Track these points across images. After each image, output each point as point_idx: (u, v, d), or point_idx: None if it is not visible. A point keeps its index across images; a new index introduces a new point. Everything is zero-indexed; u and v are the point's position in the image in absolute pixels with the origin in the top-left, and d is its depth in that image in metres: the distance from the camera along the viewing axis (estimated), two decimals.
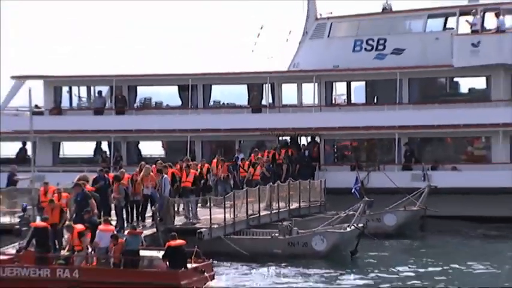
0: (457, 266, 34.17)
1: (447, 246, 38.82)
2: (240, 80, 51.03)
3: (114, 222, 34.11)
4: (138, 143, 51.99)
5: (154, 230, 34.43)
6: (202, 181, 39.27)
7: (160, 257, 29.67)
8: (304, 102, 50.52)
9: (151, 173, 37.12)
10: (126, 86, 51.38)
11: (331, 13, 50.41)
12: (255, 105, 49.89)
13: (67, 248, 31.44)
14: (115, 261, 30.09)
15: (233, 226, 36.32)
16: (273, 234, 36.22)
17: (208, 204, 37.24)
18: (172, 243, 29.75)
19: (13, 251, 31.79)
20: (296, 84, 50.55)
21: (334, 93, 50.21)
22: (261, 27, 50.30)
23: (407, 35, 48.84)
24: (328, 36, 49.68)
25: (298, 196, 41.97)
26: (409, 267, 33.90)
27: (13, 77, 51.26)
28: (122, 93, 51.17)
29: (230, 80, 51.45)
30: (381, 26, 49.06)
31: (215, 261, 31.32)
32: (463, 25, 47.28)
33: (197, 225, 35.60)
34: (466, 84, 49.21)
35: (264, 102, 50.06)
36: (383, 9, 49.40)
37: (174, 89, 52.03)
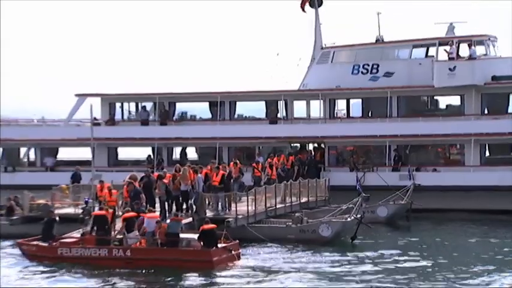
0: (436, 246, 34.92)
1: (429, 233, 38.92)
2: (260, 97, 51.06)
3: (157, 212, 34.61)
4: (185, 148, 52.10)
5: (191, 219, 34.69)
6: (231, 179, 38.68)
7: (196, 238, 30.21)
8: (311, 116, 50.86)
9: (188, 173, 37.04)
10: (167, 102, 51.55)
11: (334, 43, 50.56)
12: (271, 118, 49.92)
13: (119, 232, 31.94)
14: (161, 242, 30.55)
15: (254, 216, 36.51)
16: (287, 223, 36.50)
17: (234, 198, 37.54)
18: (206, 226, 30.43)
19: (78, 235, 32.33)
20: (305, 101, 51.14)
21: (336, 108, 50.17)
22: (277, 54, 50.50)
23: (396, 61, 48.88)
24: (332, 62, 49.93)
25: (307, 192, 42.08)
26: (398, 250, 34.07)
27: (77, 95, 51.69)
28: (164, 108, 51.32)
29: (251, 97, 51.47)
30: (374, 54, 49.24)
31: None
32: (442, 53, 47.46)
33: (225, 216, 35.63)
34: (444, 101, 49.37)
35: (279, 115, 49.99)
36: (376, 40, 49.73)
37: (206, 104, 52.14)
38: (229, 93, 50.73)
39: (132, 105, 53.38)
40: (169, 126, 51.19)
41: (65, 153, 53.38)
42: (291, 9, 52.07)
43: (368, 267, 30.02)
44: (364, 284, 27.19)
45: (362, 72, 48.73)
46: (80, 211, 37.48)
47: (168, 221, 31.77)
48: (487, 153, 47.26)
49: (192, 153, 52.43)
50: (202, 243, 29.97)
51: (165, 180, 37.04)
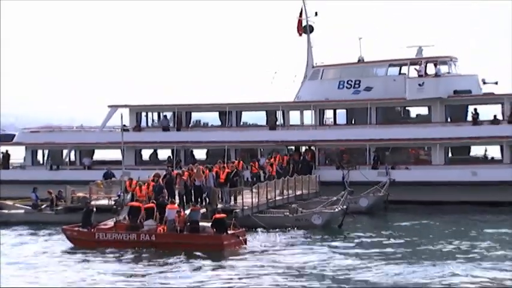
0: (408, 230, 35.26)
1: (402, 220, 38.98)
2: (261, 108, 51.03)
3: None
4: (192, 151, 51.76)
5: (205, 210, 34.48)
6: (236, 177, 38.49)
7: (210, 226, 30.40)
8: (304, 123, 50.75)
9: (200, 171, 37.25)
10: (184, 111, 51.54)
11: (323, 63, 50.49)
12: (271, 125, 49.87)
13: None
14: (180, 228, 30.75)
15: (257, 207, 36.55)
16: (285, 213, 36.58)
17: (239, 192, 37.75)
18: (217, 216, 30.59)
19: (111, 223, 32.44)
20: (299, 111, 51.06)
21: (324, 117, 50.08)
22: (275, 72, 50.25)
23: (375, 77, 48.86)
24: (321, 78, 49.88)
25: (301, 186, 42.05)
26: (377, 234, 34.30)
27: (109, 106, 51.86)
28: (181, 116, 51.45)
29: (254, 107, 51.52)
30: (356, 72, 49.22)
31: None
32: (412, 71, 47.58)
33: (233, 207, 35.74)
34: (414, 111, 49.33)
35: (277, 123, 49.88)
36: (358, 60, 49.65)
37: (216, 113, 51.98)
38: (235, 104, 50.72)
39: (155, 114, 53.22)
40: (185, 131, 51.21)
41: (100, 154, 53.48)
42: (289, 35, 52.08)
43: (352, 250, 30.11)
44: (348, 260, 27.60)
45: (346, 87, 48.72)
46: (113, 203, 37.65)
47: (188, 211, 31.91)
48: (450, 154, 47.27)
49: (202, 154, 52.26)
50: (214, 230, 30.16)
51: (184, 177, 37.31)
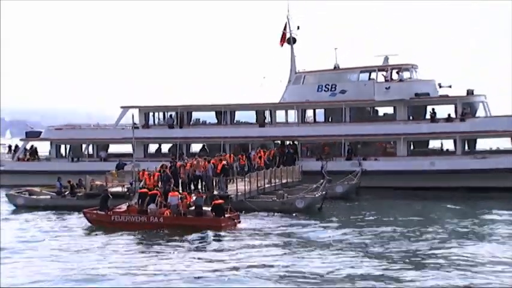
0: (377, 212, 35.14)
1: (372, 204, 39.14)
2: (252, 108, 50.81)
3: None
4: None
5: (204, 196, 34.29)
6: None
7: (210, 210, 30.60)
8: (289, 121, 50.61)
9: (200, 163, 37.51)
10: (186, 111, 51.44)
11: (304, 69, 50.51)
12: (260, 123, 49.86)
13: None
14: (184, 212, 30.85)
15: (249, 193, 36.52)
16: (273, 198, 36.53)
17: (233, 181, 37.78)
18: (216, 201, 30.75)
19: (124, 207, 32.47)
20: (284, 111, 50.96)
21: (306, 116, 49.98)
22: (264, 77, 50.00)
23: (348, 82, 48.72)
24: (303, 83, 49.97)
25: (286, 175, 42.15)
26: (351, 215, 34.62)
27: (122, 107, 51.83)
28: (183, 116, 51.34)
29: (246, 107, 51.25)
30: (333, 77, 49.20)
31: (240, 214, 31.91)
32: (380, 77, 47.73)
33: (229, 193, 35.66)
34: (382, 110, 49.27)
35: (266, 121, 49.87)
36: (334, 67, 49.56)
37: (213, 113, 51.74)
38: (229, 105, 50.59)
39: (161, 114, 53.01)
40: (186, 128, 51.12)
41: (114, 148, 53.36)
42: (276, 45, 51.81)
43: (330, 228, 30.41)
44: (326, 235, 28.22)
45: (324, 90, 48.72)
46: (126, 190, 37.65)
47: (194, 197, 31.94)
48: (412, 147, 47.38)
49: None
50: (214, 213, 30.31)
51: (187, 168, 37.37)
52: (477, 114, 46.49)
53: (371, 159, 46.08)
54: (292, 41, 50.82)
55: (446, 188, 43.26)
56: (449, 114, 46.28)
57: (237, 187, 36.22)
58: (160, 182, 35.04)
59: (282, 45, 51.16)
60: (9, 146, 56.36)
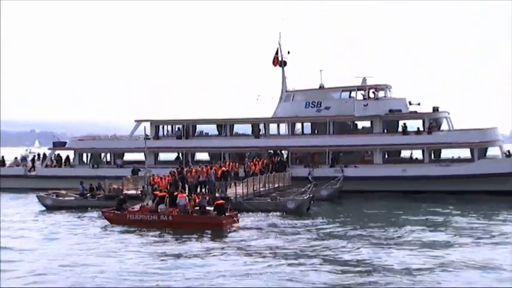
0: (357, 212, 35.08)
1: (353, 205, 39.08)
2: (248, 122, 50.56)
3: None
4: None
5: (208, 197, 34.14)
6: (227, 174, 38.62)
7: (212, 210, 30.47)
8: (280, 133, 50.13)
9: (203, 170, 37.52)
10: (191, 124, 51.18)
11: (294, 88, 50.20)
12: (255, 134, 49.55)
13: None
14: (191, 211, 30.69)
15: (247, 196, 36.37)
16: (267, 200, 36.50)
17: (231, 185, 37.54)
18: (218, 202, 30.58)
19: (138, 207, 32.38)
20: (276, 124, 50.54)
21: (295, 128, 49.66)
22: (259, 95, 49.96)
23: (332, 100, 48.48)
24: (292, 100, 49.65)
25: (278, 181, 41.94)
26: (334, 215, 34.34)
27: (136, 120, 51.51)
28: (188, 128, 51.06)
29: (243, 121, 50.99)
30: (318, 95, 48.90)
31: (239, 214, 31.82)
32: (359, 95, 47.58)
33: (228, 195, 35.49)
34: (360, 124, 49.00)
35: (260, 133, 49.57)
36: (319, 87, 49.29)
37: (214, 126, 51.42)
38: (229, 119, 50.43)
39: (169, 127, 52.76)
40: (191, 139, 50.72)
41: (128, 156, 53.07)
42: (270, 67, 51.44)
43: (316, 226, 30.40)
44: (314, 233, 27.91)
45: (311, 107, 48.52)
46: (139, 192, 37.52)
47: (200, 197, 31.90)
48: (386, 156, 47.20)
49: (205, 156, 51.94)
50: (216, 212, 30.19)
51: (193, 174, 37.27)
52: (441, 128, 46.51)
53: (351, 167, 45.88)
54: (283, 64, 50.68)
55: (416, 191, 43.19)
56: (418, 128, 46.29)
57: (236, 190, 36.12)
58: (170, 186, 34.86)
59: (275, 65, 50.85)
60: (38, 154, 56.17)
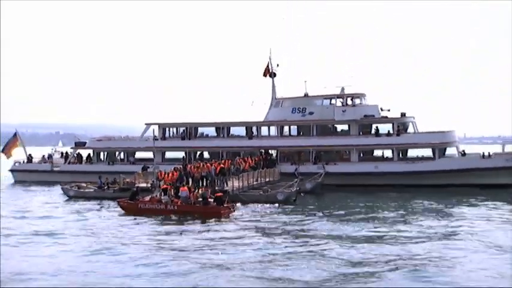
0: (337, 203, 34.93)
1: (333, 197, 38.94)
2: (243, 125, 50.37)
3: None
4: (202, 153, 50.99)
5: (209, 191, 34.17)
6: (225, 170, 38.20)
7: (212, 201, 30.43)
8: (271, 135, 49.91)
9: (205, 165, 37.42)
10: (193, 127, 51.05)
11: (282, 96, 50.12)
12: (249, 136, 49.40)
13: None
14: (194, 201, 30.67)
15: (242, 189, 36.41)
16: (260, 192, 36.44)
17: (229, 179, 37.46)
18: (217, 194, 30.60)
19: (148, 198, 32.28)
20: (267, 127, 50.28)
21: (283, 131, 49.69)
22: (252, 101, 49.50)
23: (315, 106, 48.35)
24: (281, 106, 49.56)
25: (268, 176, 41.98)
26: (317, 205, 34.35)
27: (146, 124, 51.12)
28: (191, 130, 50.94)
29: (238, 124, 50.80)
30: (303, 102, 48.79)
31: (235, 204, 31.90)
32: (338, 102, 47.60)
33: (226, 189, 35.43)
34: (339, 127, 48.92)
35: (253, 134, 49.39)
36: (304, 95, 49.23)
37: (213, 128, 51.20)
38: (226, 123, 50.31)
39: (174, 129, 52.41)
40: (193, 140, 50.60)
41: (139, 155, 52.86)
42: (262, 77, 51.54)
43: (302, 214, 30.38)
44: (300, 220, 27.94)
45: (297, 112, 48.48)
46: (149, 185, 37.41)
47: (201, 191, 31.87)
48: (361, 155, 47.22)
49: (205, 154, 51.64)
50: (215, 203, 30.17)
51: (197, 169, 37.20)
52: (408, 131, 46.65)
53: (332, 164, 45.79)
54: (273, 75, 50.71)
55: (387, 185, 43.26)
56: (388, 131, 46.37)
57: (233, 184, 36.12)
58: (177, 180, 34.89)
59: (265, 76, 50.81)
60: (61, 153, 55.91)
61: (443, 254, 20.01)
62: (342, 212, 30.72)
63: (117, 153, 52.82)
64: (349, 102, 47.61)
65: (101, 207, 33.93)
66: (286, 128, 50.07)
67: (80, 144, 54.09)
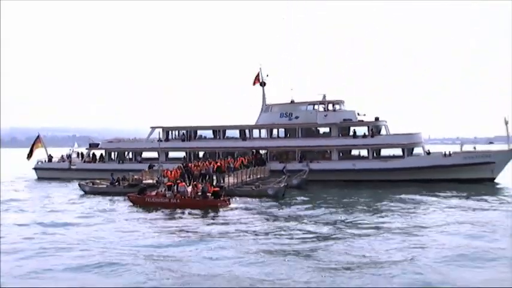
0: (320, 197, 34.66)
1: (317, 191, 38.65)
2: (237, 128, 50.02)
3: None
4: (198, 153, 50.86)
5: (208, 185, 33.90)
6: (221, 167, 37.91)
7: (210, 195, 30.11)
8: (262, 136, 49.83)
9: (204, 164, 37.29)
10: (193, 130, 50.76)
11: (271, 102, 49.94)
12: (242, 138, 49.17)
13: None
14: (194, 196, 30.36)
15: (236, 184, 36.27)
16: (252, 187, 36.24)
17: (225, 176, 36.97)
18: (215, 189, 30.35)
19: (153, 193, 31.94)
20: (258, 130, 50.13)
21: (272, 133, 49.50)
22: (250, 105, 50.23)
23: (300, 111, 48.09)
24: (270, 111, 49.40)
25: (259, 173, 41.81)
26: (303, 198, 34.04)
27: (151, 127, 51.02)
28: (191, 133, 50.61)
29: (233, 127, 50.45)
30: (290, 108, 48.62)
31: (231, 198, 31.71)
32: (321, 108, 47.49)
33: (222, 184, 34.92)
34: (322, 130, 48.66)
35: (246, 136, 49.20)
36: (291, 101, 49.08)
37: (210, 131, 50.89)
38: (222, 126, 50.05)
39: (176, 132, 51.99)
40: (193, 141, 50.25)
41: (146, 154, 52.55)
42: (253, 85, 51.26)
43: (290, 206, 30.26)
44: (288, 212, 27.78)
45: (284, 116, 48.39)
46: (155, 182, 37.07)
47: (201, 186, 31.59)
48: (341, 154, 47.10)
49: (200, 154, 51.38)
50: (213, 197, 29.97)
51: (197, 167, 36.94)
52: (381, 133, 46.74)
53: (315, 162, 45.76)
54: (263, 84, 50.57)
55: (363, 180, 43.38)
56: (364, 133, 46.45)
57: (229, 180, 36.00)
58: (180, 177, 34.49)
59: (254, 84, 50.57)
60: (78, 153, 55.45)
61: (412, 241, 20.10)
62: (325, 204, 30.69)
63: (126, 153, 52.41)
64: (330, 107, 47.66)
65: (112, 201, 33.58)
66: (275, 131, 49.94)
67: (94, 146, 53.66)
